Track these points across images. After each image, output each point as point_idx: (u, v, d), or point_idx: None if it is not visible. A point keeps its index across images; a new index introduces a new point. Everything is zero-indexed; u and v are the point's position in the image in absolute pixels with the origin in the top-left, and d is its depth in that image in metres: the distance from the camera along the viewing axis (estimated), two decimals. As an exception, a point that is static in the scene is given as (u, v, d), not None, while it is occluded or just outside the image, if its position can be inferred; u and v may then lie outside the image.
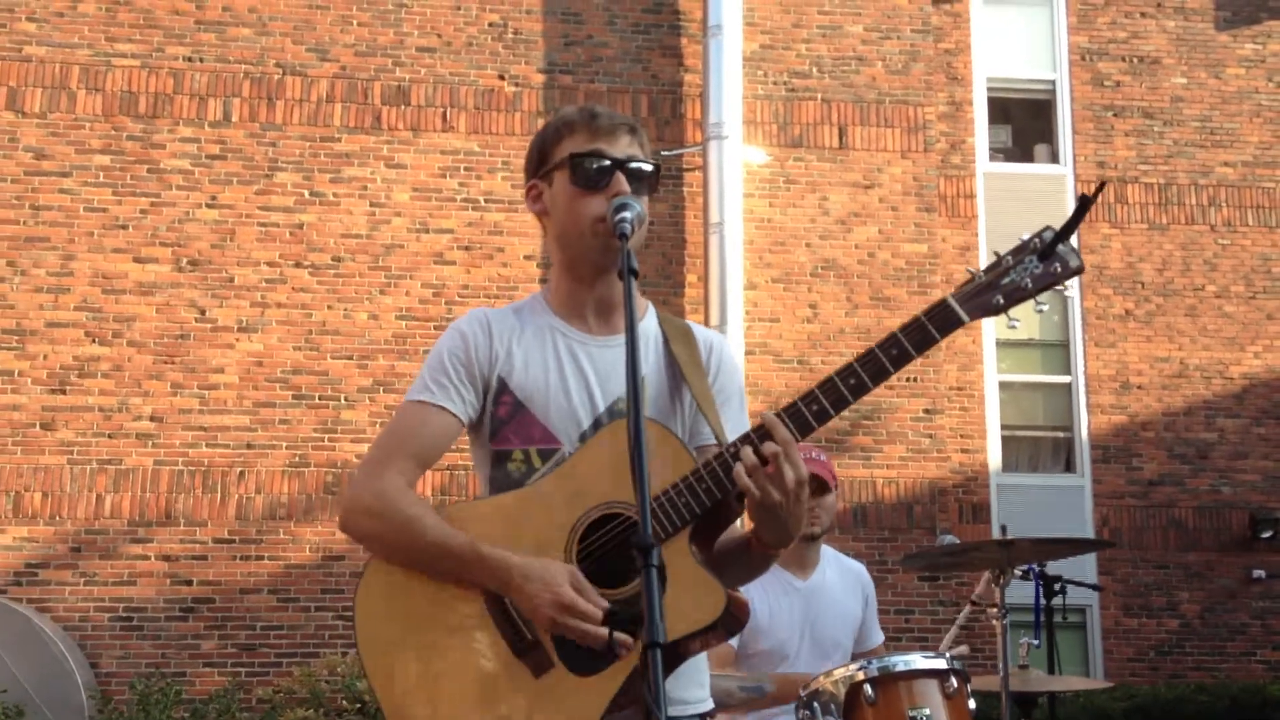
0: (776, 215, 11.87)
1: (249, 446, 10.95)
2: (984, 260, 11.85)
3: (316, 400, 11.07)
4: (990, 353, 12.14)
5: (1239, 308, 12.46)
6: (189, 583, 10.68)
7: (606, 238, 2.42)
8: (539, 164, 2.61)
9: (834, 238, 11.89)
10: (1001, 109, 13.09)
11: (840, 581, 4.74)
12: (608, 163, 2.49)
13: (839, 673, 3.81)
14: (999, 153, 12.97)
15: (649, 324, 2.60)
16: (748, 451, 2.26)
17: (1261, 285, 12.51)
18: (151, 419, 10.91)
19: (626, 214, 2.36)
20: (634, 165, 2.51)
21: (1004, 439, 12.12)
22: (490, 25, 11.87)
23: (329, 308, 11.18)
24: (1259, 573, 11.98)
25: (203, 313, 11.12)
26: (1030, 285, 2.31)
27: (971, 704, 3.83)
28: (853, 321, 11.64)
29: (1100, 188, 2.42)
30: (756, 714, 4.33)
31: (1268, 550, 12.04)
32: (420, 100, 11.66)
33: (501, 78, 11.80)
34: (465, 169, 11.56)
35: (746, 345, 11.20)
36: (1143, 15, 13.09)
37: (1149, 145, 12.69)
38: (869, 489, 11.43)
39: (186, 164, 11.32)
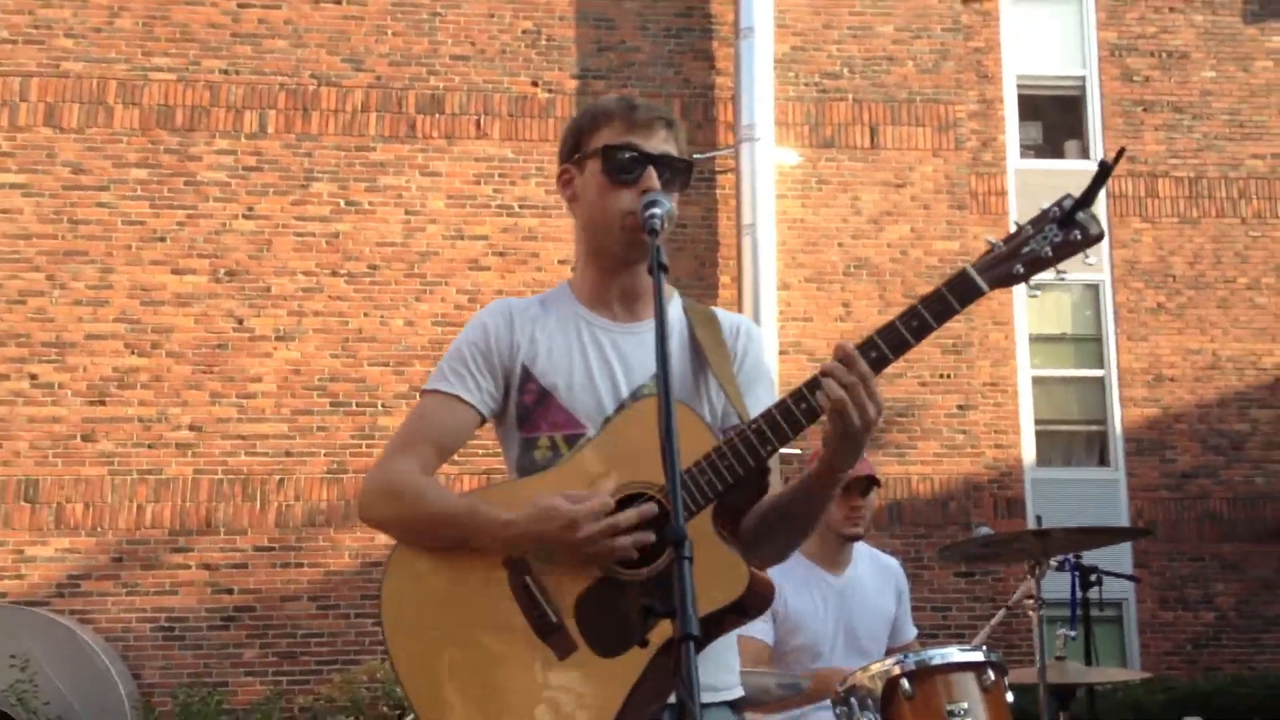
0: (809, 215, 11.88)
1: (288, 454, 11.02)
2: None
3: (354, 407, 11.14)
4: (1024, 348, 12.12)
5: (1271, 299, 12.40)
6: (230, 591, 10.73)
7: (634, 232, 2.43)
8: (574, 149, 2.61)
9: (866, 237, 11.90)
10: (1032, 106, 13.07)
11: (874, 577, 4.73)
12: (640, 156, 2.50)
13: (876, 668, 3.77)
14: (1030, 149, 12.95)
15: (674, 311, 2.60)
16: (839, 368, 2.25)
17: (1292, 276, 12.47)
18: (191, 429, 10.99)
19: (657, 210, 2.36)
20: (667, 161, 2.52)
21: (1038, 433, 12.09)
22: (524, 33, 11.93)
23: (365, 315, 11.25)
24: (1294, 563, 11.94)
25: (240, 322, 11.20)
26: (1051, 253, 2.28)
27: (1009, 697, 3.77)
28: (886, 319, 11.52)
29: (1120, 154, 2.36)
30: (786, 714, 4.31)
31: (1301, 540, 12.01)
32: (454, 108, 11.73)
33: (535, 84, 11.86)
34: (499, 175, 11.62)
35: (780, 345, 11.21)
36: (1171, 10, 13.05)
37: (1179, 139, 12.65)
38: (904, 486, 11.42)
39: (223, 176, 11.41)
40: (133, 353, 11.08)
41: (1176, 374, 12.20)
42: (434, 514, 2.45)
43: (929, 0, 12.26)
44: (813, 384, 2.29)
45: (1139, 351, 12.20)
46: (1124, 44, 12.97)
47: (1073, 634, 5.17)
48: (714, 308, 2.75)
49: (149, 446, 10.92)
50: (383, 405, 11.14)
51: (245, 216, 11.37)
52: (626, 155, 2.50)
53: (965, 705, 3.67)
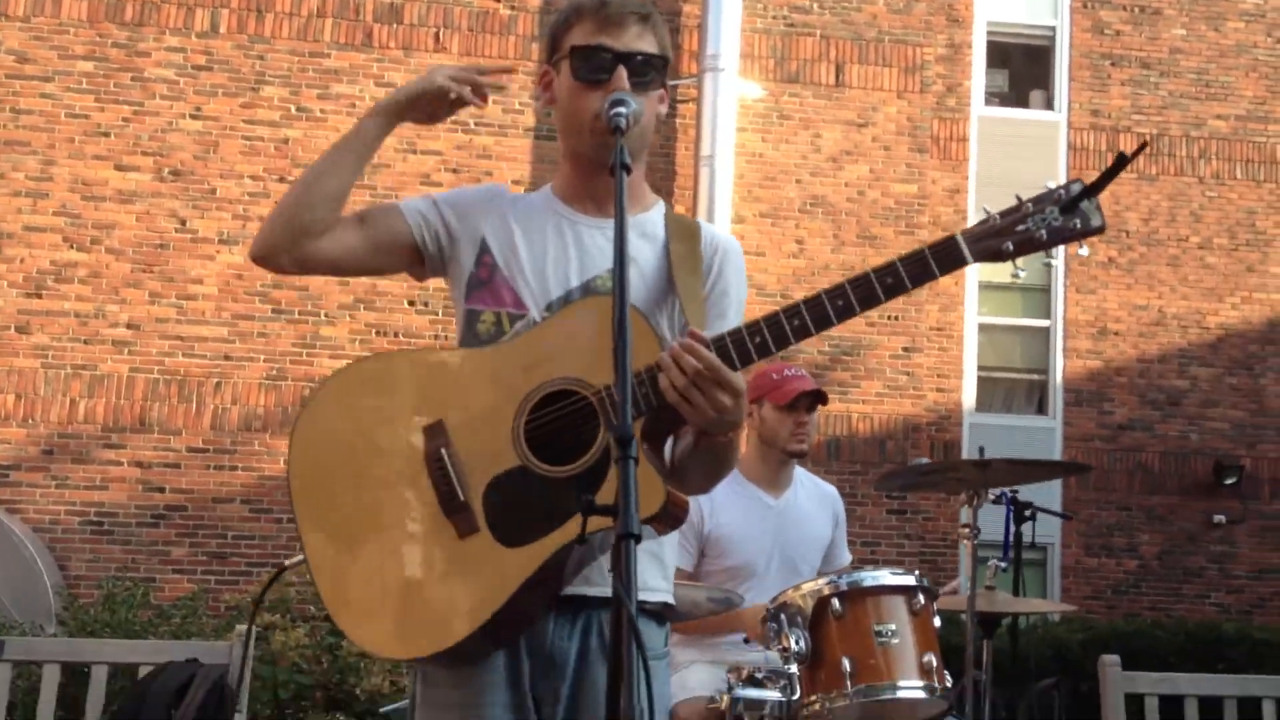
0: (768, 150, 11.82)
1: (226, 358, 10.92)
2: (971, 204, 11.92)
3: (296, 315, 11.04)
4: (972, 295, 12.13)
5: (1220, 259, 12.47)
6: (161, 490, 10.70)
7: (605, 135, 2.36)
8: (552, 50, 2.56)
9: (824, 175, 11.86)
10: (1000, 53, 12.98)
11: (812, 502, 4.75)
12: (611, 57, 2.44)
13: (807, 586, 3.78)
14: (995, 97, 12.87)
15: (653, 217, 2.56)
16: (668, 361, 2.17)
17: (1244, 238, 12.50)
18: (128, 326, 10.87)
19: (622, 109, 2.32)
20: (638, 59, 2.45)
21: (980, 379, 12.14)
22: (488, -55, 11.73)
23: (312, 223, 11.09)
24: (1219, 517, 12.09)
25: (183, 223, 11.05)
26: (1045, 237, 2.20)
27: (936, 621, 3.81)
28: (839, 259, 11.62)
29: (1141, 148, 2.31)
30: (711, 639, 4.38)
31: (1230, 496, 12.15)
32: (413, 19, 11.55)
33: (497, 0, 11.68)
34: (455, 90, 11.44)
35: (731, 279, 11.17)
36: (1145, -37, 13.00)
37: (1144, 95, 12.63)
38: (844, 423, 11.48)
39: (171, 74, 11.21)
40: (72, 247, 10.91)
41: (1121, 328, 12.27)
42: (318, 161, 2.51)
43: (902, -60, 12.18)
44: (652, 371, 2.21)
45: (1086, 304, 12.26)
46: (1096, -4, 12.91)
47: (1004, 565, 5.19)
48: (701, 220, 2.71)
49: (84, 342, 10.79)
50: (326, 315, 11.03)
51: (193, 116, 11.18)
52: (595, 55, 2.44)
53: (893, 626, 3.71)
